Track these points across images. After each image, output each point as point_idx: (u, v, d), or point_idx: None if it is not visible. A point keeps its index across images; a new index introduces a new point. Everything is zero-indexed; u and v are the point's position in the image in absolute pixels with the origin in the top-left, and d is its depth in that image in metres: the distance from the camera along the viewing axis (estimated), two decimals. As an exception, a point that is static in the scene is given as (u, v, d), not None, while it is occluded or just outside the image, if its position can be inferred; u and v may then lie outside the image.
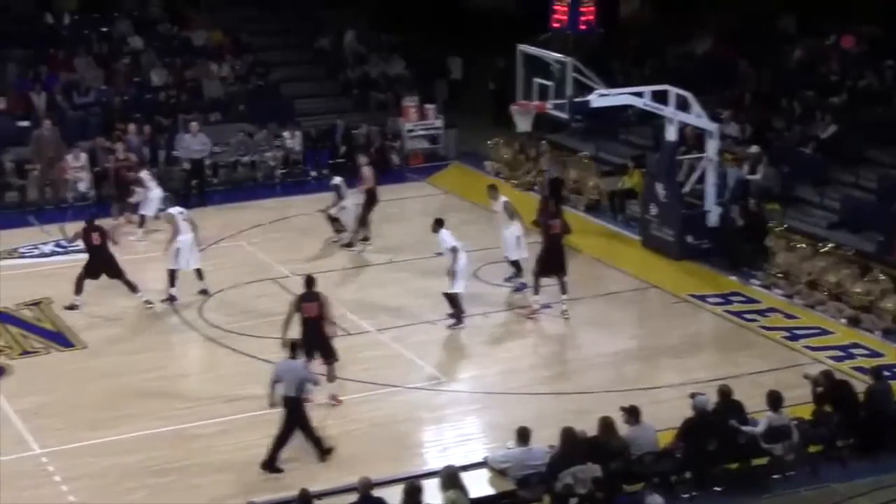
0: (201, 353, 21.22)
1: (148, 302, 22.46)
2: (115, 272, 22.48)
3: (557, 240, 22.42)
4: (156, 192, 25.96)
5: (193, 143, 29.17)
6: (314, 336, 18.48)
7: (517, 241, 23.00)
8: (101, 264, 22.43)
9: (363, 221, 25.64)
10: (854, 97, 28.53)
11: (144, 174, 26.64)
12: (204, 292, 22.90)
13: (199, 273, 22.94)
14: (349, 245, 25.52)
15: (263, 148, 31.34)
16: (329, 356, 18.62)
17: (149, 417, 18.45)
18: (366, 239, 25.67)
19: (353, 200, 25.61)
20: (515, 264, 23.18)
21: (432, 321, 21.38)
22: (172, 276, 22.59)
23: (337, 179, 25.94)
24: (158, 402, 18.99)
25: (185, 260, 22.59)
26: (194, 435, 17.96)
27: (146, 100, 32.15)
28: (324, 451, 17.13)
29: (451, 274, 21.13)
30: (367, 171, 25.82)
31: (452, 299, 21.34)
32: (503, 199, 23.50)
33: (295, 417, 16.89)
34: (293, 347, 17.35)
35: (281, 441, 16.86)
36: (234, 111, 32.62)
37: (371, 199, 25.68)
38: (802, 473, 16.67)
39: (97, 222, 22.81)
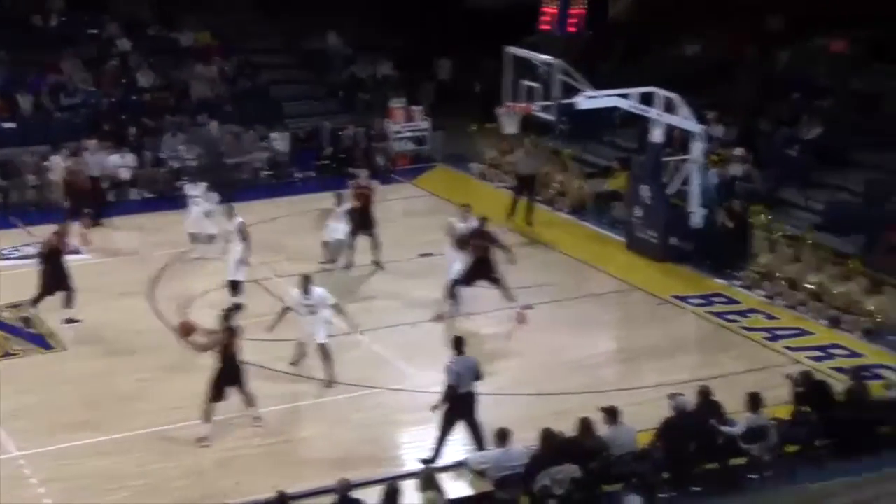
0: (182, 356, 21.03)
1: (70, 320, 21.86)
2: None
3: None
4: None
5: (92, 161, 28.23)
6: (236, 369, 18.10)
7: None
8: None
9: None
10: (842, 100, 28.51)
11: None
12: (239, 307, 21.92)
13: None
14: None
15: (250, 149, 31.32)
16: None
17: (128, 420, 18.39)
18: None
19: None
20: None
21: (412, 323, 21.30)
22: (238, 287, 22.34)
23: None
24: (138, 404, 18.96)
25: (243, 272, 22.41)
26: (173, 437, 17.91)
27: (133, 101, 32.13)
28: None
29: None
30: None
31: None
32: (475, 221, 22.82)
33: (471, 411, 17.04)
34: (459, 343, 17.22)
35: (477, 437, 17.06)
36: (221, 112, 32.62)
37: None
38: (779, 473, 16.65)
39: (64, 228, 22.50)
